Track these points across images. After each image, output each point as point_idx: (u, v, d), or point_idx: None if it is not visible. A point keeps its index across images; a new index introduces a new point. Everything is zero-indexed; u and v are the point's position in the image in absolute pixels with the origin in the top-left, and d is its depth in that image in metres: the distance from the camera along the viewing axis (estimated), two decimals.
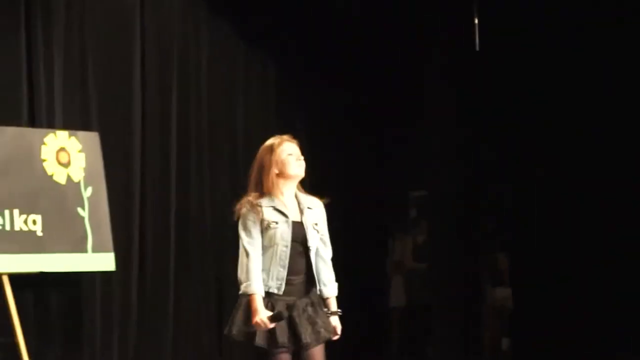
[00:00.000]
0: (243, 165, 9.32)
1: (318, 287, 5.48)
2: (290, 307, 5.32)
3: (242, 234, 5.42)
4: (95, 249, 7.70)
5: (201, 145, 9.14)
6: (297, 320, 5.30)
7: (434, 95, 9.57)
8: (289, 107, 9.84)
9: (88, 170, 7.76)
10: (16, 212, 7.32)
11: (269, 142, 5.55)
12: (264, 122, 9.61)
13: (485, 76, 9.55)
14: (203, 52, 9.22)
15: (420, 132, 9.65)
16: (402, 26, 9.82)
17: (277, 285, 5.35)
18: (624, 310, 8.86)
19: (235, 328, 5.32)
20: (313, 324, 5.37)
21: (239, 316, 5.32)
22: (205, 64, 9.21)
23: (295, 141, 5.57)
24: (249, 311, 5.27)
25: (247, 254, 5.36)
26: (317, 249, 5.51)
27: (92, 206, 7.74)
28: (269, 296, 5.32)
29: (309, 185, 9.52)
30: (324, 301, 5.51)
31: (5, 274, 7.24)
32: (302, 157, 5.54)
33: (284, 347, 5.28)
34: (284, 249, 5.40)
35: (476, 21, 8.70)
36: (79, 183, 7.69)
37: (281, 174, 5.47)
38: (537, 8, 9.31)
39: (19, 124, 7.77)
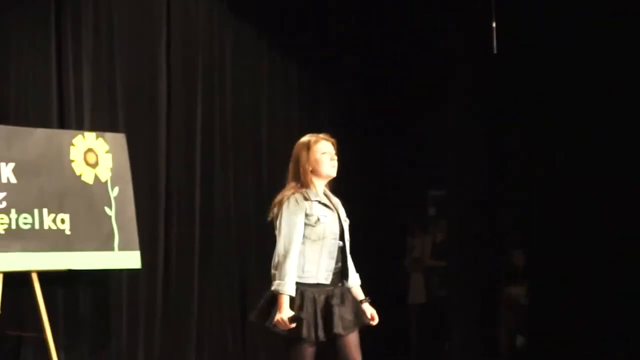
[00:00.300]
0: (266, 166, 9.44)
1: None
2: (329, 296, 5.37)
3: (284, 228, 5.39)
4: (122, 247, 7.76)
5: (225, 145, 9.18)
6: (335, 309, 5.35)
7: (454, 98, 9.57)
8: (311, 107, 9.87)
9: (115, 171, 7.82)
10: (45, 211, 7.40)
11: (305, 138, 5.55)
12: (286, 122, 9.67)
13: (503, 78, 9.54)
14: (227, 54, 9.26)
15: (440, 134, 9.64)
16: (423, 30, 9.83)
17: (326, 277, 5.40)
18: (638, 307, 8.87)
19: (269, 321, 5.32)
20: (350, 312, 5.41)
21: (275, 310, 5.31)
22: (229, 67, 9.26)
23: (331, 140, 5.57)
24: (290, 305, 5.28)
25: (286, 251, 5.35)
26: None
27: (118, 205, 7.80)
28: (316, 286, 5.36)
29: (332, 181, 9.62)
30: (353, 290, 5.56)
31: (34, 271, 7.30)
32: (335, 157, 5.54)
33: (320, 340, 5.31)
34: (333, 241, 5.44)
35: (494, 25, 8.67)
36: (106, 183, 7.76)
37: (314, 172, 5.49)
38: (552, 11, 9.28)
39: (49, 126, 7.87)
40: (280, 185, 9.35)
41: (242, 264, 9.24)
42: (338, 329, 5.33)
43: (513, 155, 9.71)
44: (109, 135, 7.91)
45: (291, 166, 5.52)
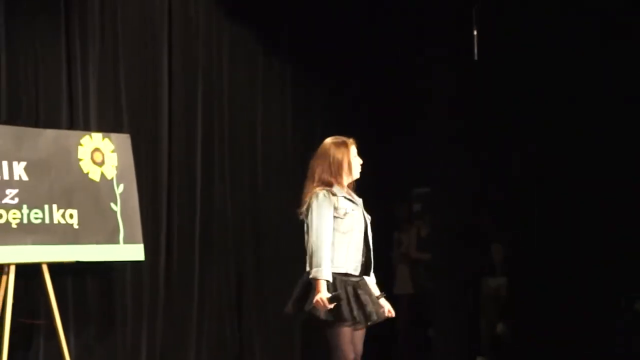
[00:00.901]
0: (261, 165, 9.55)
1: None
2: (355, 287, 5.50)
3: (315, 220, 5.46)
4: (127, 241, 7.81)
5: (224, 146, 9.26)
6: (364, 298, 5.49)
7: (438, 102, 9.68)
8: (305, 110, 9.95)
9: (120, 169, 7.88)
10: (55, 206, 7.43)
11: (340, 138, 5.68)
12: (281, 124, 9.79)
13: (484, 83, 9.65)
14: (224, 59, 9.33)
15: (424, 137, 9.72)
16: (408, 38, 9.95)
17: (354, 267, 5.53)
18: (612, 298, 9.01)
19: (307, 307, 5.46)
20: (377, 303, 5.60)
21: (312, 298, 5.42)
22: (226, 71, 9.33)
23: (355, 143, 5.74)
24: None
25: (319, 240, 5.42)
26: None
27: (123, 201, 7.86)
28: (345, 275, 5.48)
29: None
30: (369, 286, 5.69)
31: (44, 263, 7.34)
32: (361, 161, 5.70)
33: (359, 321, 5.47)
34: (359, 234, 5.58)
35: (475, 32, 8.78)
36: (111, 180, 7.82)
37: (347, 174, 5.63)
38: (533, 20, 9.43)
39: (58, 127, 7.94)
40: (273, 184, 9.56)
41: (239, 256, 9.33)
42: (375, 315, 5.52)
43: (493, 155, 9.81)
44: (114, 135, 7.97)
45: (325, 164, 5.62)
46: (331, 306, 5.35)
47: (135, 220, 7.95)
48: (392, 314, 5.75)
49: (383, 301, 5.72)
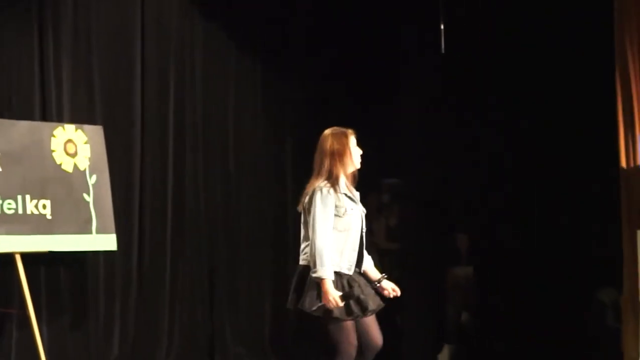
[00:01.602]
0: (233, 158, 9.53)
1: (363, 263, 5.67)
2: (349, 281, 5.48)
3: (319, 218, 5.40)
4: (99, 231, 7.81)
5: (196, 138, 9.23)
6: (357, 291, 5.46)
7: (405, 94, 9.68)
8: (276, 104, 9.92)
9: (93, 160, 7.87)
10: (28, 197, 7.44)
11: (338, 130, 5.65)
12: (252, 118, 9.76)
13: (450, 76, 9.66)
14: (197, 53, 9.30)
15: (392, 130, 9.69)
16: (376, 30, 9.92)
17: (348, 267, 5.51)
18: (576, 287, 9.01)
19: (307, 303, 5.43)
20: (371, 295, 5.58)
21: (311, 294, 5.43)
22: (199, 65, 9.30)
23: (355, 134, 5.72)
24: (319, 289, 5.38)
25: (322, 239, 5.37)
26: None
27: (96, 192, 7.85)
28: (337, 274, 5.44)
29: (296, 173, 9.70)
30: (368, 271, 5.73)
31: (18, 253, 7.34)
32: (360, 152, 5.69)
33: (354, 316, 5.46)
34: (356, 233, 5.55)
35: (442, 26, 8.79)
36: (84, 171, 7.82)
37: (348, 162, 5.59)
38: (499, 14, 9.48)
39: (31, 119, 7.91)
40: (246, 177, 9.58)
41: (210, 246, 9.33)
42: (372, 306, 5.50)
43: (459, 147, 9.82)
44: (87, 127, 7.96)
45: (327, 156, 5.58)
46: (342, 304, 5.37)
47: (108, 211, 7.95)
48: (397, 292, 5.76)
49: (386, 283, 5.74)
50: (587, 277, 8.85)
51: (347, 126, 9.84)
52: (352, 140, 5.68)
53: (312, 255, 5.41)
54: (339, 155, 5.59)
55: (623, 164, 8.08)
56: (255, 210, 9.67)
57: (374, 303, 5.58)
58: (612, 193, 8.16)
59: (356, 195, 5.69)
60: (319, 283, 5.41)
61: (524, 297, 9.28)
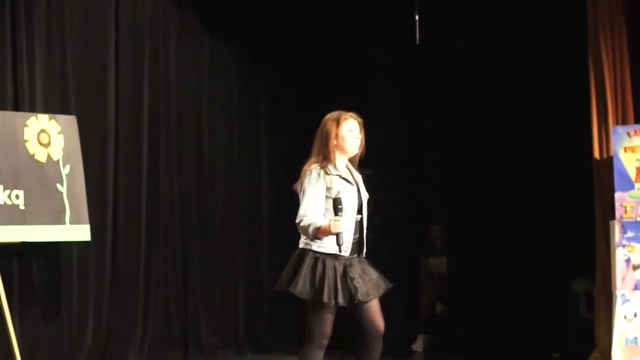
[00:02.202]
0: (207, 146, 9.52)
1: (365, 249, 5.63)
2: (347, 265, 5.46)
3: (307, 196, 5.43)
4: (73, 221, 7.73)
5: (170, 127, 9.19)
6: (355, 278, 5.44)
7: (378, 86, 9.70)
8: (250, 92, 9.91)
9: (66, 150, 7.79)
10: (1, 187, 7.35)
11: (335, 114, 5.62)
12: (226, 106, 9.74)
13: (424, 66, 9.74)
14: (171, 42, 9.26)
15: (367, 120, 9.74)
16: (349, 21, 9.96)
17: (345, 248, 5.45)
18: (550, 278, 9.08)
19: (299, 286, 5.39)
20: (370, 280, 5.55)
21: (303, 275, 5.40)
22: (173, 54, 9.26)
23: (359, 120, 5.65)
24: (313, 271, 5.38)
25: (307, 216, 5.39)
26: None
27: (70, 182, 7.77)
28: (333, 256, 5.42)
29: (271, 163, 9.68)
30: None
31: None
32: (360, 136, 5.61)
33: (339, 305, 5.41)
34: (352, 215, 5.51)
35: (417, 17, 8.79)
36: (58, 161, 7.73)
37: (339, 147, 5.55)
38: (474, 5, 9.53)
39: (4, 108, 7.82)
40: (220, 166, 9.59)
41: (185, 237, 9.28)
42: (360, 296, 5.44)
43: (434, 141, 9.88)
44: (60, 117, 7.88)
45: (317, 139, 5.58)
46: (340, 229, 5.33)
47: (82, 201, 7.88)
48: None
49: None
50: (561, 268, 8.88)
51: (321, 117, 9.99)
52: (347, 124, 5.63)
53: (299, 228, 5.44)
54: (327, 139, 5.58)
55: (596, 155, 8.11)
56: (230, 201, 9.67)
57: (368, 292, 5.53)
58: (586, 184, 8.18)
59: (357, 177, 5.67)
60: (313, 265, 5.43)
61: (498, 287, 9.31)
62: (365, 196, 5.68)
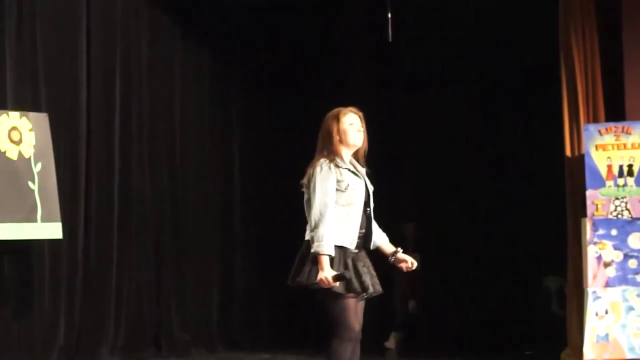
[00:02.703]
0: (179, 144, 9.49)
1: (373, 240, 5.57)
2: (354, 259, 5.37)
3: (318, 194, 5.32)
4: (44, 219, 7.68)
5: (141, 124, 9.15)
6: (363, 270, 5.35)
7: (352, 83, 9.69)
8: (221, 91, 9.90)
9: (38, 148, 7.73)
10: None
11: (334, 111, 5.56)
12: (198, 104, 9.73)
13: (397, 63, 9.75)
14: (143, 40, 9.22)
15: None
16: (323, 20, 9.98)
17: (351, 241, 5.37)
18: (522, 274, 9.16)
19: (312, 278, 5.25)
20: (373, 276, 5.48)
21: (310, 267, 5.27)
22: (145, 52, 9.22)
23: (359, 113, 5.58)
24: (316, 266, 5.25)
25: (322, 215, 5.28)
26: None
27: (41, 180, 7.72)
28: (341, 249, 5.33)
29: (243, 160, 9.64)
30: (382, 246, 5.64)
31: None
32: (362, 129, 5.53)
33: (357, 292, 5.31)
34: (359, 208, 5.43)
35: (389, 14, 8.79)
36: (29, 159, 7.67)
37: (342, 142, 5.48)
38: (446, 3, 9.56)
39: None
40: (191, 163, 9.56)
41: (157, 234, 9.26)
42: (374, 287, 5.41)
43: (406, 136, 9.89)
44: (32, 114, 7.81)
45: (320, 137, 5.52)
46: (336, 284, 5.21)
47: (53, 199, 7.83)
48: (414, 265, 5.71)
49: (401, 255, 5.67)
50: (533, 265, 8.92)
51: (293, 116, 10.00)
52: (347, 119, 5.56)
53: (311, 229, 5.33)
54: (330, 135, 5.52)
55: (568, 153, 8.14)
56: (202, 197, 9.65)
57: (374, 287, 5.49)
58: (558, 182, 8.21)
59: (362, 171, 5.61)
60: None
61: (470, 285, 9.33)
62: (371, 189, 5.63)
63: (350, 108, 5.61)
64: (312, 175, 5.42)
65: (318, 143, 5.55)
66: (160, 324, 9.23)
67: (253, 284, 9.96)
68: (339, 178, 5.41)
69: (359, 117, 5.59)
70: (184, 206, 9.52)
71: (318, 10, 9.98)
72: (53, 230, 7.82)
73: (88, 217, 8.71)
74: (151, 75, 9.29)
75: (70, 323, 8.51)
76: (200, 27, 9.69)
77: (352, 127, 5.53)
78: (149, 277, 9.19)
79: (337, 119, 5.55)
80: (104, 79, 8.88)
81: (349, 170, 5.47)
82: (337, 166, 5.44)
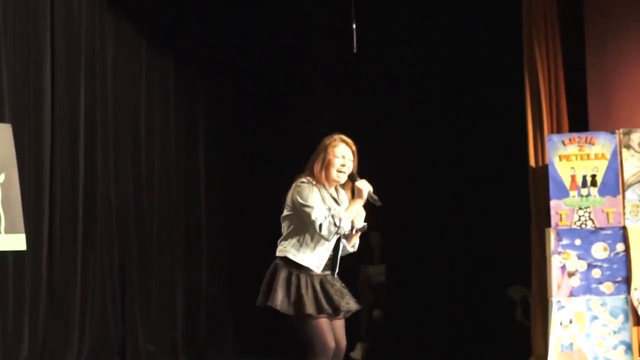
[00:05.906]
0: (144, 154, 9.40)
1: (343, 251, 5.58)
2: (322, 281, 5.36)
3: (314, 204, 5.29)
4: (8, 231, 7.49)
5: (106, 135, 9.05)
6: (331, 291, 5.34)
7: (317, 94, 9.74)
8: (187, 101, 9.85)
9: (1, 158, 7.50)
10: None
11: (328, 138, 5.53)
12: (163, 114, 9.66)
13: (361, 75, 9.76)
14: (108, 48, 9.13)
15: (303, 127, 9.62)
16: (288, 31, 9.99)
17: (317, 265, 5.37)
18: (486, 285, 9.14)
19: (279, 301, 5.26)
20: (343, 296, 5.44)
21: (278, 289, 5.27)
22: (110, 62, 9.12)
23: (352, 147, 5.54)
24: (288, 285, 5.27)
25: (321, 219, 5.27)
26: None
27: (4, 191, 7.52)
28: (306, 270, 5.33)
29: (209, 169, 9.59)
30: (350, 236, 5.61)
31: None
32: (349, 163, 5.49)
33: (328, 313, 5.30)
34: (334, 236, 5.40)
35: (354, 26, 8.78)
36: None
37: (324, 172, 5.45)
38: (410, 14, 9.56)
39: None
40: (156, 174, 9.51)
41: (122, 244, 9.16)
42: (344, 305, 5.37)
43: (373, 146, 9.84)
44: None
45: (311, 158, 5.51)
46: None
47: (17, 210, 7.63)
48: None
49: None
50: (497, 275, 8.92)
51: (260, 123, 9.97)
52: (336, 150, 5.52)
53: (330, 233, 5.31)
54: (315, 160, 5.52)
55: (532, 163, 8.17)
56: (167, 206, 9.57)
57: (347, 304, 5.46)
58: (522, 192, 8.23)
59: (342, 197, 5.59)
60: (287, 277, 5.34)
61: (435, 295, 9.32)
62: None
63: (343, 137, 5.55)
64: (295, 190, 5.39)
65: (309, 161, 5.52)
66: (125, 334, 9.10)
67: (219, 293, 9.90)
68: (323, 197, 5.41)
69: (351, 149, 5.53)
70: (149, 215, 9.44)
71: (283, 20, 10.00)
72: (17, 242, 7.61)
73: (52, 228, 8.58)
74: (116, 83, 9.19)
75: (35, 334, 8.37)
76: (166, 36, 9.63)
77: (337, 161, 5.46)
78: (114, 287, 9.07)
79: (327, 146, 5.51)
80: (68, 89, 8.76)
81: (330, 196, 5.45)
82: (319, 187, 5.42)
